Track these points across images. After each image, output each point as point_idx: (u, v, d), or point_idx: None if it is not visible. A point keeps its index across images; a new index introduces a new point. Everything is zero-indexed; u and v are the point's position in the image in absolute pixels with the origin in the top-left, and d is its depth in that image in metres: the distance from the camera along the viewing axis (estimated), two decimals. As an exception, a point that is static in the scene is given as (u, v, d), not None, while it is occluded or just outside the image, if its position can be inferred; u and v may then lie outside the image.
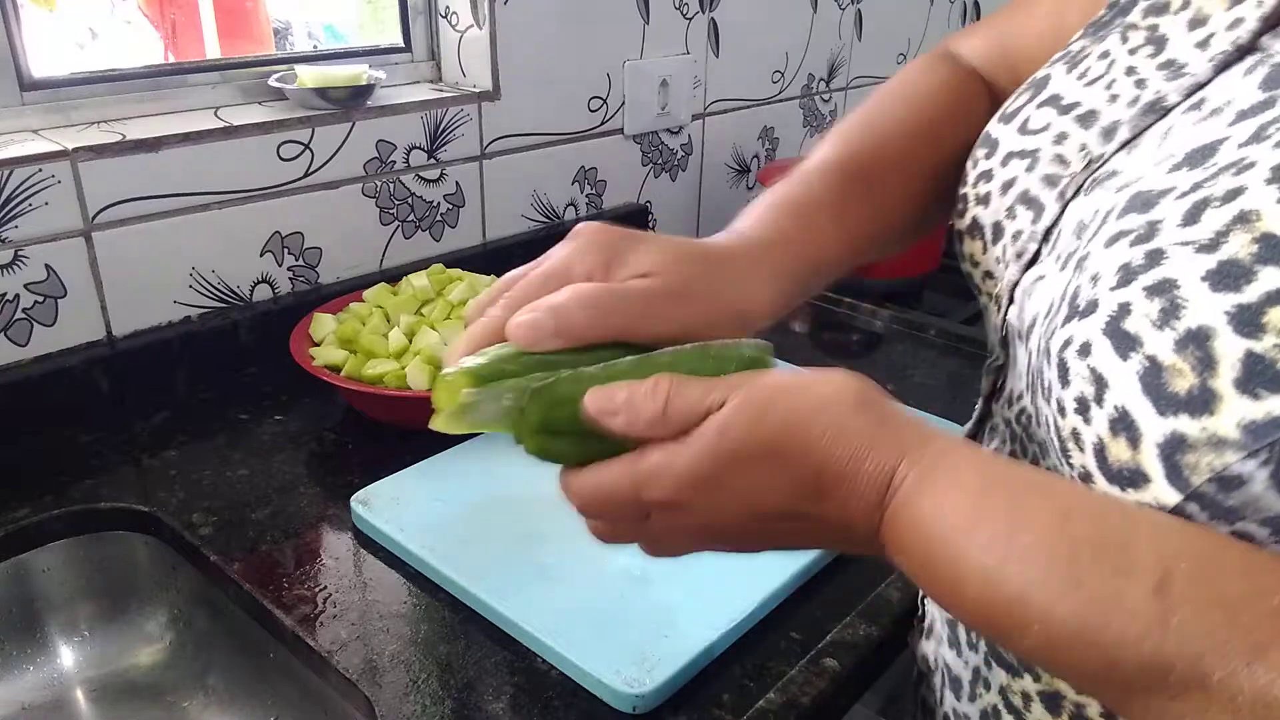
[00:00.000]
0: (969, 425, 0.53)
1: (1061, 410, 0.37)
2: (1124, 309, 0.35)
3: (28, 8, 0.88)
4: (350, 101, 1.00)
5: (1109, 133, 0.44)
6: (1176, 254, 0.34)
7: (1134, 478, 0.34)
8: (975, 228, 0.50)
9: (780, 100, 1.54)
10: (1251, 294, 0.32)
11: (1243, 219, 0.33)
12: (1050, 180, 0.45)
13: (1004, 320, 0.47)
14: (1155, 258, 0.35)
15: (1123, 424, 0.34)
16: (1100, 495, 0.35)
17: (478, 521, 0.72)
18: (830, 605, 0.68)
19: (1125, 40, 0.47)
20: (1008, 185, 0.48)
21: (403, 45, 1.15)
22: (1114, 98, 0.45)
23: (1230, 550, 0.31)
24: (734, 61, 1.41)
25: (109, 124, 0.91)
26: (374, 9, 1.26)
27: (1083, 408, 0.36)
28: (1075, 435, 0.36)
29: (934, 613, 0.57)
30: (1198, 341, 0.32)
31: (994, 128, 0.51)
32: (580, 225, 0.44)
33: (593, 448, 0.40)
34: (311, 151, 0.98)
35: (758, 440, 0.37)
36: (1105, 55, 0.47)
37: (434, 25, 1.15)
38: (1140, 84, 0.44)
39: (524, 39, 1.13)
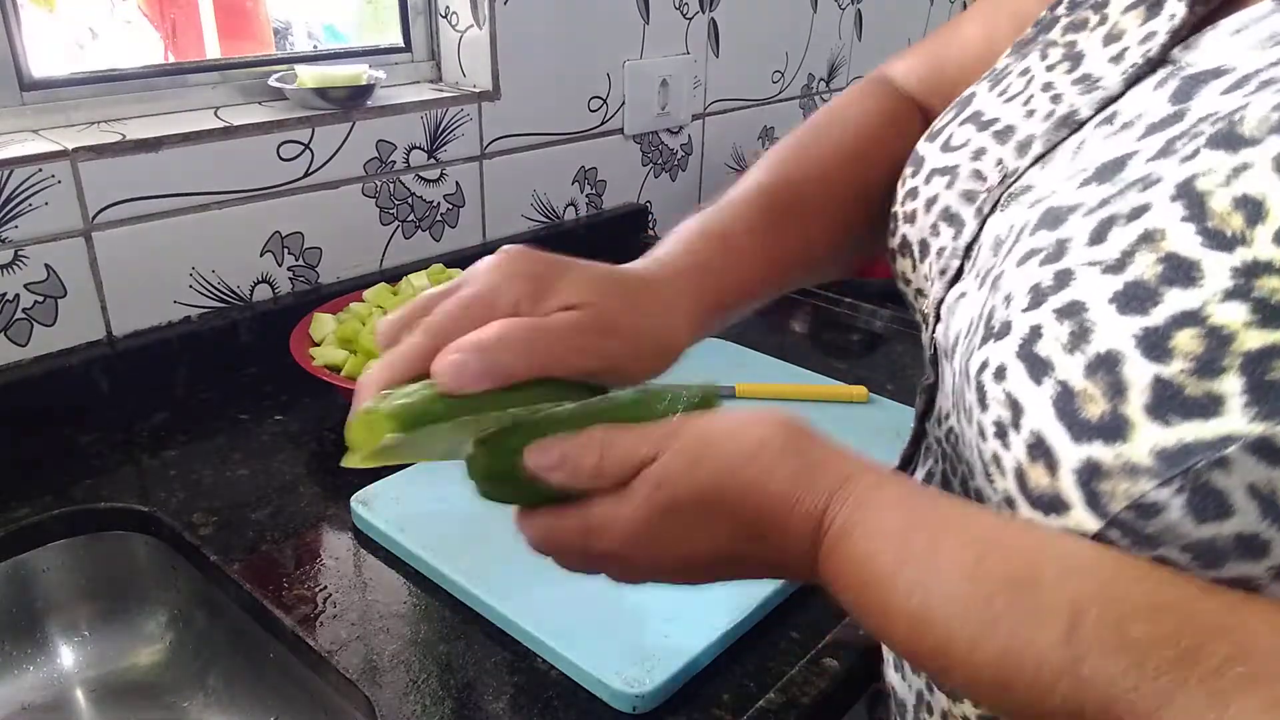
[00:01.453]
0: (906, 445, 0.53)
1: (982, 434, 0.37)
2: (1035, 332, 0.34)
3: (28, 8, 0.88)
4: (350, 101, 1.00)
5: (1023, 147, 0.44)
6: (1084, 274, 0.34)
7: (1054, 504, 0.34)
8: (904, 246, 0.50)
9: (780, 100, 1.54)
10: (1158, 317, 0.31)
11: (1148, 238, 0.33)
12: (968, 196, 0.45)
13: (932, 338, 0.47)
14: (1064, 278, 0.34)
15: (1040, 450, 0.34)
16: (1016, 528, 0.35)
17: (478, 521, 0.72)
18: (830, 605, 0.67)
19: (1045, 57, 0.47)
20: (931, 202, 0.48)
21: (403, 45, 1.15)
22: (1030, 113, 0.45)
23: (1139, 586, 0.31)
24: (734, 61, 1.41)
25: (109, 124, 0.91)
26: (374, 9, 1.26)
27: (1001, 432, 0.35)
28: (996, 459, 0.36)
29: None
30: (1107, 366, 0.32)
31: (921, 146, 0.51)
32: (505, 249, 0.43)
33: (539, 491, 0.40)
34: (311, 151, 0.98)
35: (692, 491, 0.38)
36: (1025, 72, 0.47)
37: (434, 25, 1.15)
38: (1056, 99, 0.44)
39: (524, 39, 1.13)
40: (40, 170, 0.82)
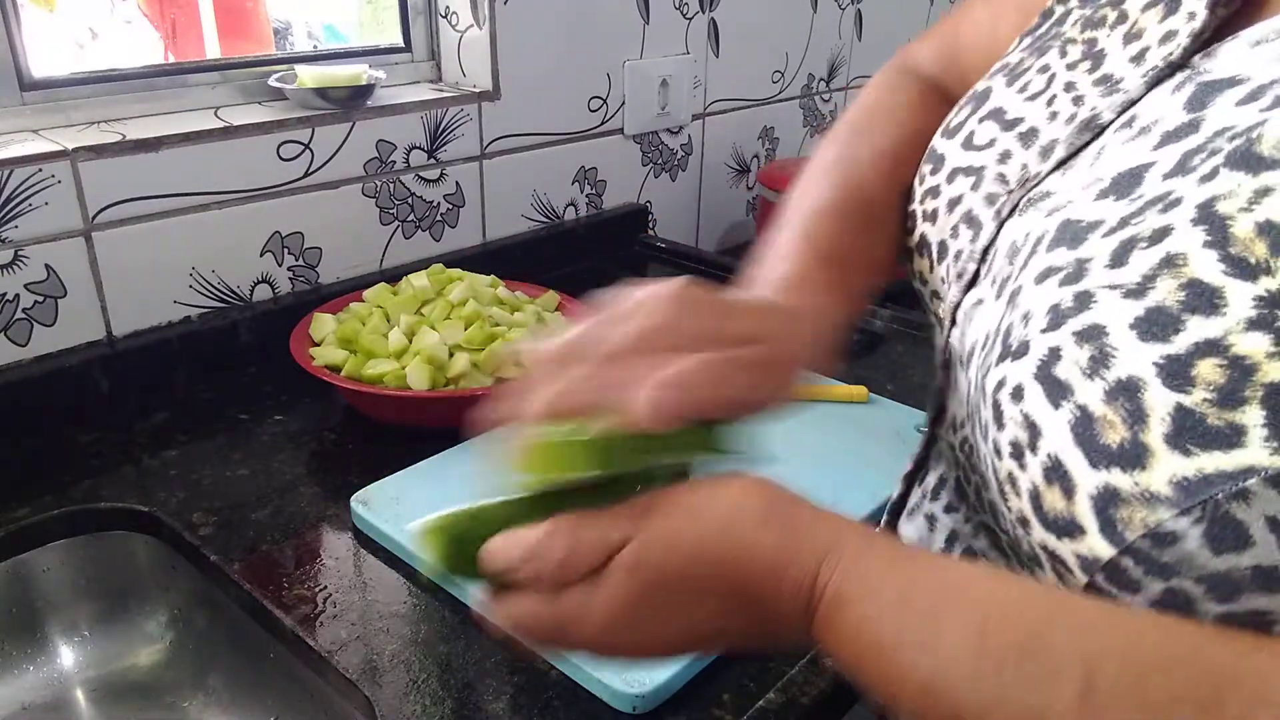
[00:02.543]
0: (919, 449, 0.52)
1: (998, 452, 0.36)
2: (1054, 354, 0.34)
3: (28, 8, 0.88)
4: (350, 101, 1.00)
5: (1046, 151, 0.43)
6: (1105, 298, 0.33)
7: (1069, 528, 0.33)
8: (923, 245, 0.49)
9: (780, 100, 1.54)
10: (1180, 344, 0.31)
11: (1169, 263, 0.32)
12: (991, 199, 0.45)
13: (947, 343, 0.46)
14: (1084, 300, 0.34)
15: (1056, 473, 0.33)
16: (1015, 589, 0.34)
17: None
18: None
19: (1064, 55, 0.46)
20: (954, 203, 0.47)
21: (403, 45, 1.15)
22: (1054, 115, 0.44)
23: (1150, 639, 0.30)
24: (734, 61, 1.41)
25: (109, 124, 0.91)
26: (374, 9, 1.26)
27: (1017, 453, 0.35)
28: (1012, 479, 0.36)
29: None
30: (1128, 393, 0.32)
31: (939, 142, 0.50)
32: (679, 280, 0.41)
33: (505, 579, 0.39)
34: (311, 151, 0.98)
35: (671, 571, 0.36)
36: (1045, 70, 0.47)
37: (434, 25, 1.15)
38: (1078, 100, 0.44)
39: (524, 39, 1.13)
40: (40, 170, 0.82)
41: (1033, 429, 0.34)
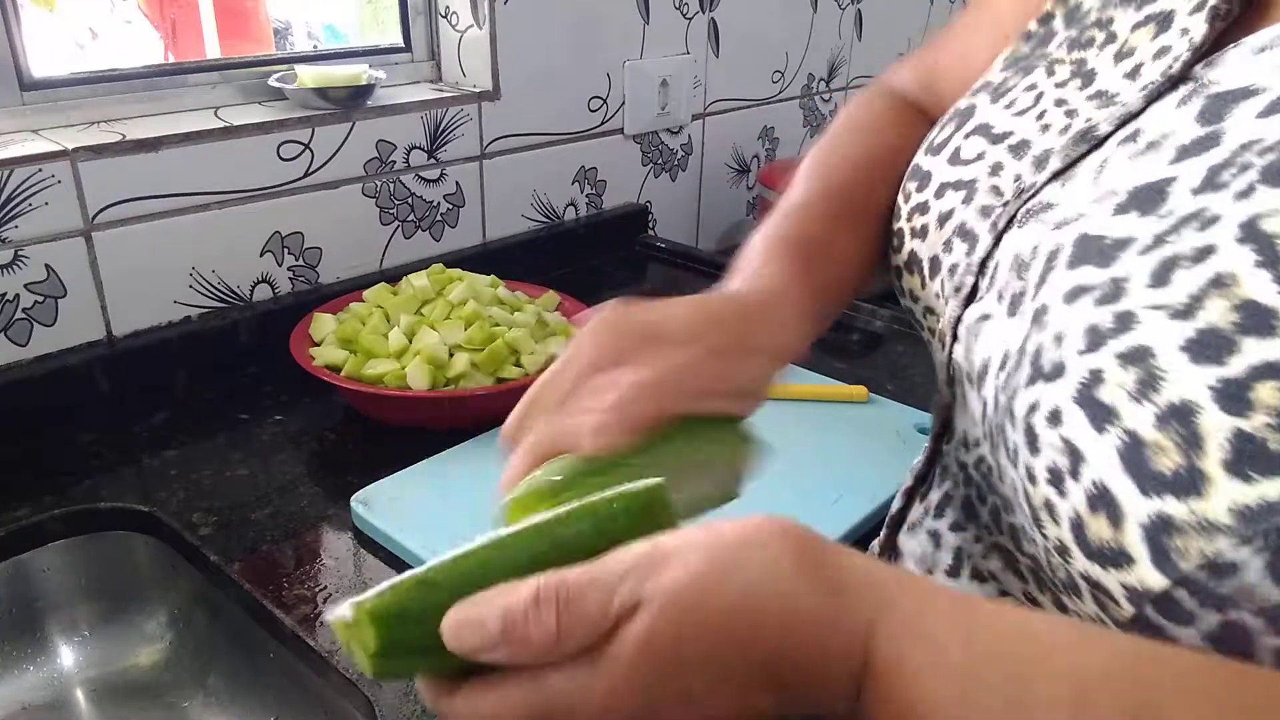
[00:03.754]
0: (918, 464, 0.51)
1: (1031, 478, 0.35)
2: (1096, 376, 0.33)
3: (27, 8, 0.88)
4: (350, 101, 1.00)
5: (1040, 162, 0.43)
6: (1149, 319, 0.32)
7: (1116, 558, 0.32)
8: (913, 262, 0.49)
9: (780, 100, 1.54)
10: (1236, 367, 0.30)
11: (1218, 283, 0.31)
12: (985, 211, 0.44)
13: (949, 359, 0.45)
14: (1126, 321, 0.33)
15: (1102, 501, 0.32)
16: (1106, 645, 0.30)
17: (478, 521, 0.71)
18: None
19: (1051, 74, 0.46)
20: (945, 218, 0.47)
21: (403, 45, 1.15)
22: (1046, 127, 0.44)
23: (1255, 693, 0.28)
24: (734, 61, 1.41)
25: (109, 124, 0.91)
26: (374, 9, 1.26)
27: (1056, 479, 0.34)
28: (1048, 506, 0.34)
29: None
30: (1180, 417, 0.30)
31: (923, 160, 0.50)
32: (601, 309, 0.41)
33: (459, 661, 0.31)
34: (311, 151, 0.98)
35: (690, 648, 0.30)
36: (1032, 88, 0.46)
37: (434, 25, 1.15)
38: (1071, 114, 0.43)
39: (524, 39, 1.13)
40: (40, 170, 0.82)
41: (1074, 455, 0.33)
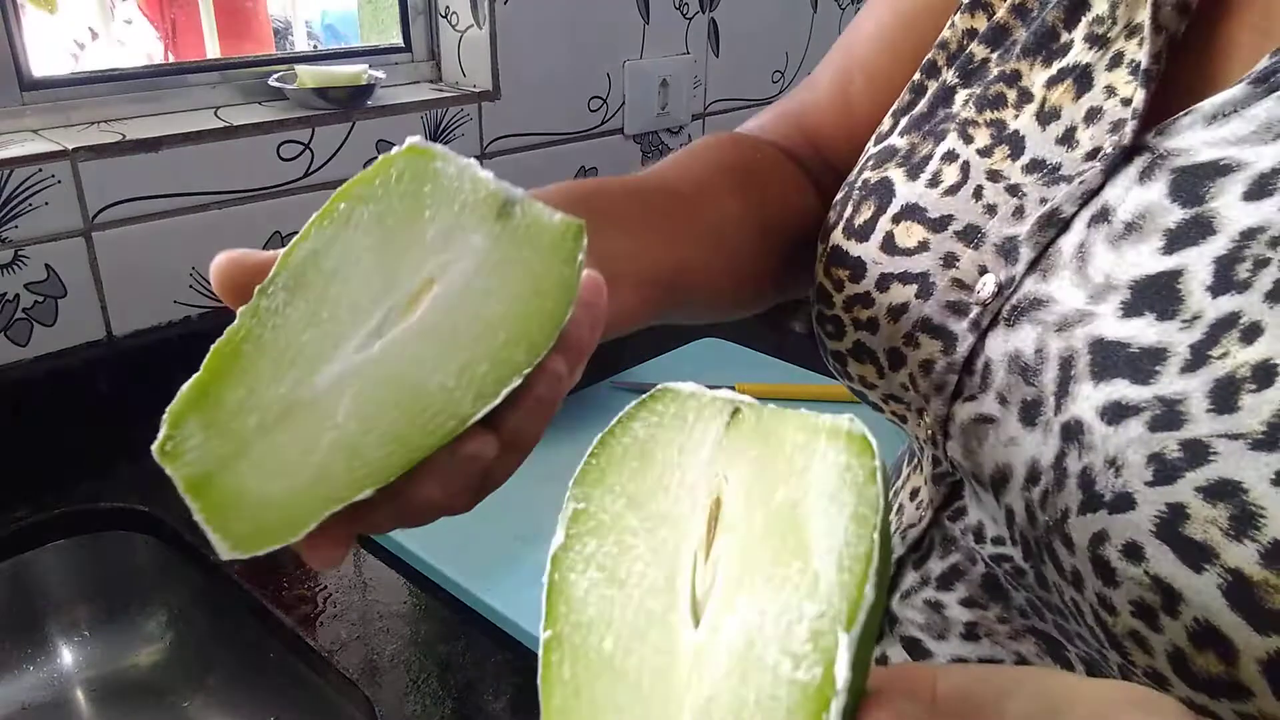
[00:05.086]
0: (913, 532, 0.47)
1: (1109, 608, 0.33)
2: (1178, 512, 0.31)
3: (28, 9, 0.88)
4: (350, 101, 1.00)
5: (1006, 253, 0.40)
6: (1226, 449, 0.31)
7: (1230, 691, 0.31)
8: (863, 351, 0.45)
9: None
10: None
11: None
12: (955, 308, 0.41)
13: (945, 456, 0.43)
14: (1198, 451, 0.31)
15: (1209, 639, 0.31)
16: None
17: (478, 521, 0.71)
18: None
19: (969, 140, 0.43)
20: (897, 311, 0.43)
21: (403, 45, 1.15)
22: (990, 209, 0.41)
23: None
24: (734, 61, 1.41)
25: (109, 124, 0.91)
26: (374, 9, 1.26)
27: (1146, 614, 0.32)
28: (1137, 637, 0.33)
29: None
30: None
31: (846, 244, 0.46)
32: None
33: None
34: (311, 151, 0.98)
35: None
36: (952, 157, 0.43)
37: (434, 25, 1.15)
38: (1015, 190, 0.41)
39: (524, 39, 1.13)
40: (40, 170, 0.82)
41: (1168, 593, 0.31)
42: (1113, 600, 0.33)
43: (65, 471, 0.80)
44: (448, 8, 1.13)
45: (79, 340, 0.88)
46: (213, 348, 0.29)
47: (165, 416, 0.28)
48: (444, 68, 1.17)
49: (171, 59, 1.74)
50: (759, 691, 0.20)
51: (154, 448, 0.28)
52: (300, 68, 1.01)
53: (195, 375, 0.28)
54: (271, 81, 1.01)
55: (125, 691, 0.76)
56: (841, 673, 0.20)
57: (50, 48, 1.57)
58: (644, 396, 0.27)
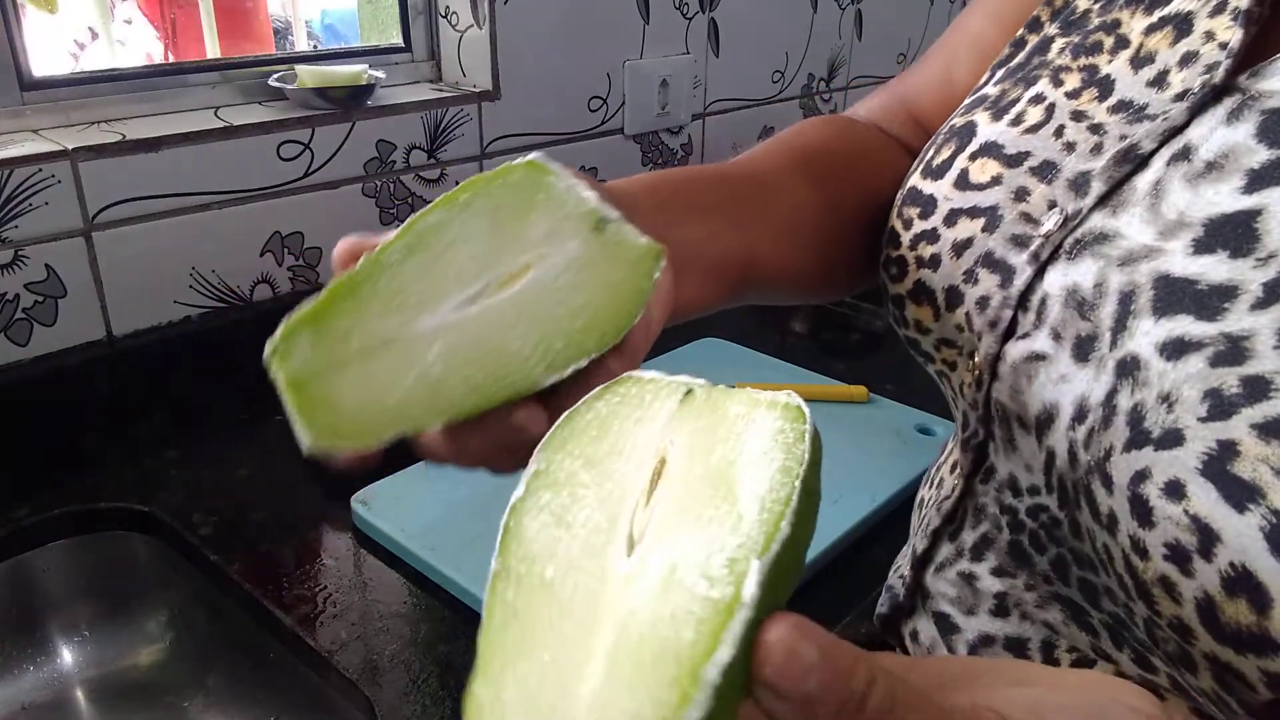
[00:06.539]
0: (947, 504, 0.47)
1: (1142, 552, 0.33)
2: (1228, 449, 0.30)
3: (28, 9, 0.88)
4: (350, 101, 1.00)
5: (1078, 186, 0.40)
6: None
7: (1258, 644, 0.30)
8: (921, 292, 0.45)
9: (780, 100, 1.54)
10: None
11: None
12: (1019, 241, 0.41)
13: (988, 397, 0.42)
14: (1259, 388, 0.30)
15: (1244, 585, 0.30)
16: None
17: (478, 521, 0.72)
18: (830, 605, 0.68)
19: (1059, 84, 0.43)
20: (961, 246, 0.43)
21: (403, 45, 1.15)
22: (1069, 145, 0.41)
23: None
24: (734, 61, 1.41)
25: (109, 124, 0.91)
26: (374, 9, 1.26)
27: (1179, 557, 0.31)
28: (1166, 583, 0.32)
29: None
30: None
31: (922, 184, 0.46)
32: None
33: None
34: (311, 151, 0.98)
35: None
36: (1039, 99, 0.43)
37: (434, 25, 1.15)
38: (1097, 129, 0.40)
39: (524, 39, 1.13)
40: (40, 170, 0.82)
41: (1206, 533, 0.31)
42: (1146, 543, 0.32)
43: (65, 471, 0.80)
44: (448, 8, 1.13)
45: (79, 340, 0.88)
46: (332, 282, 0.33)
47: (279, 329, 0.32)
48: (444, 68, 1.17)
49: (171, 59, 1.74)
50: (675, 606, 0.22)
51: (265, 352, 0.32)
52: (300, 68, 1.01)
53: (312, 300, 0.33)
54: (271, 81, 1.01)
55: (125, 691, 0.76)
56: (749, 590, 0.22)
57: (50, 48, 1.57)
58: (609, 382, 0.30)
